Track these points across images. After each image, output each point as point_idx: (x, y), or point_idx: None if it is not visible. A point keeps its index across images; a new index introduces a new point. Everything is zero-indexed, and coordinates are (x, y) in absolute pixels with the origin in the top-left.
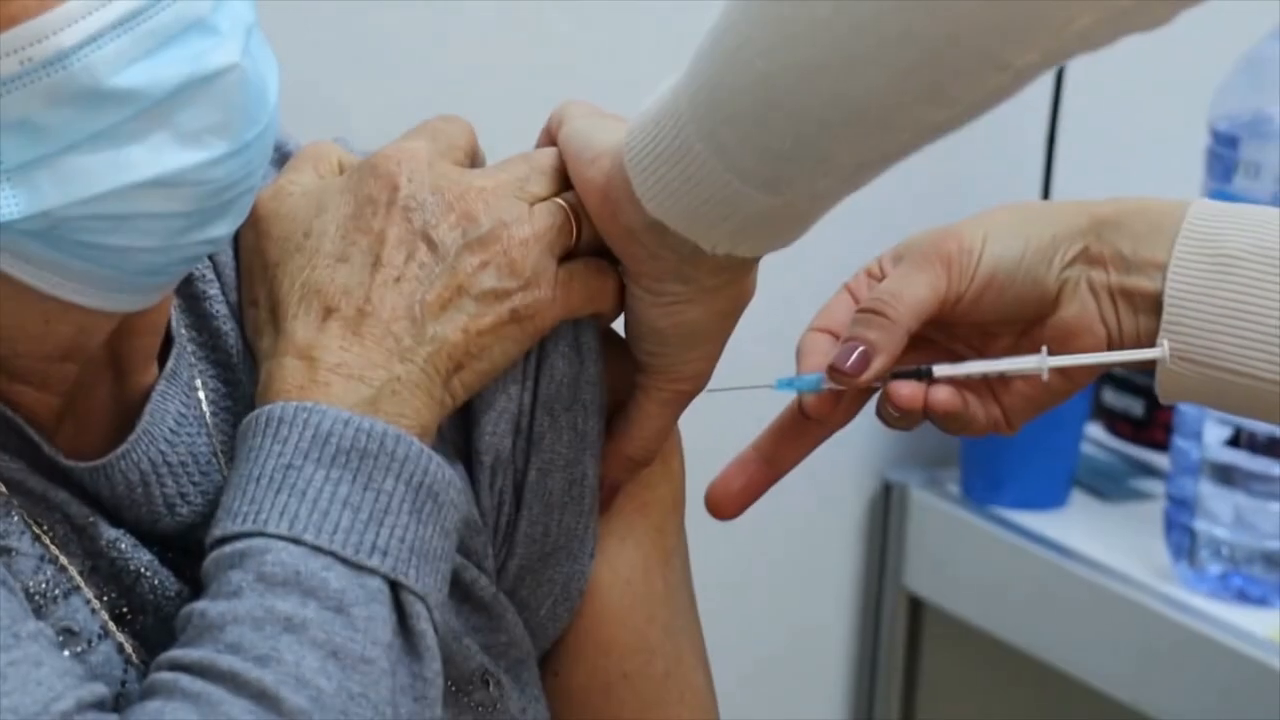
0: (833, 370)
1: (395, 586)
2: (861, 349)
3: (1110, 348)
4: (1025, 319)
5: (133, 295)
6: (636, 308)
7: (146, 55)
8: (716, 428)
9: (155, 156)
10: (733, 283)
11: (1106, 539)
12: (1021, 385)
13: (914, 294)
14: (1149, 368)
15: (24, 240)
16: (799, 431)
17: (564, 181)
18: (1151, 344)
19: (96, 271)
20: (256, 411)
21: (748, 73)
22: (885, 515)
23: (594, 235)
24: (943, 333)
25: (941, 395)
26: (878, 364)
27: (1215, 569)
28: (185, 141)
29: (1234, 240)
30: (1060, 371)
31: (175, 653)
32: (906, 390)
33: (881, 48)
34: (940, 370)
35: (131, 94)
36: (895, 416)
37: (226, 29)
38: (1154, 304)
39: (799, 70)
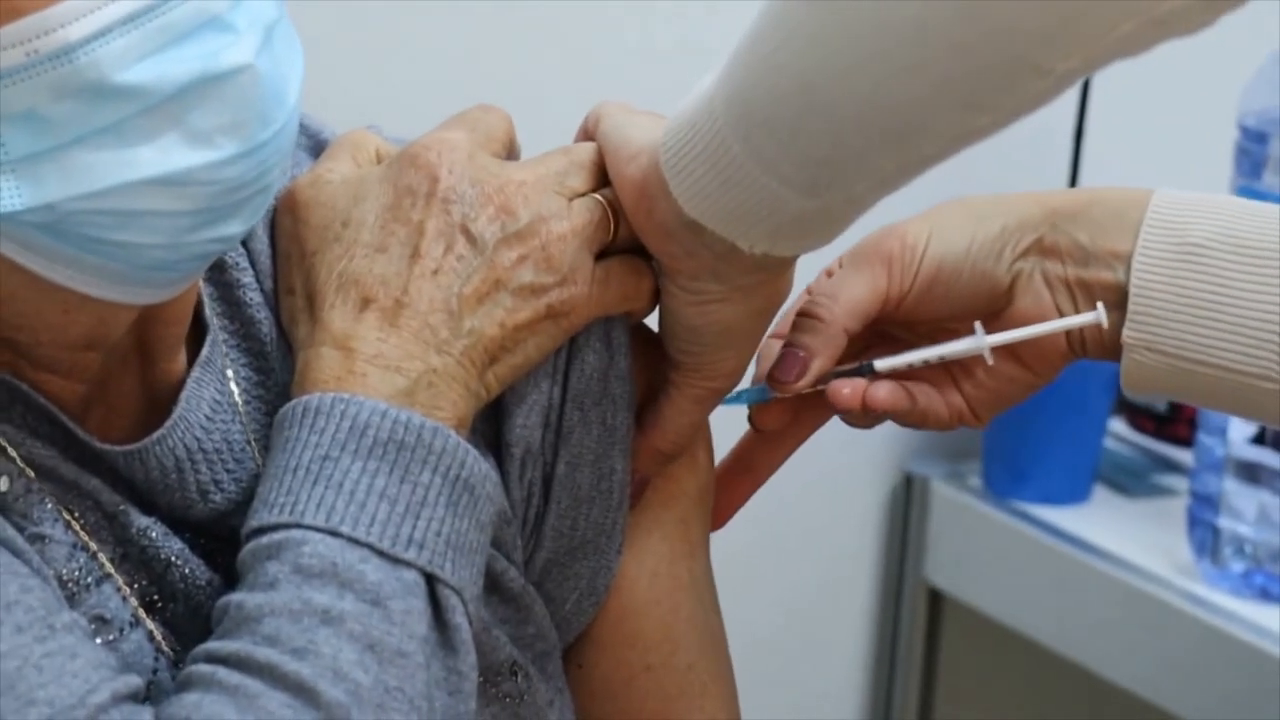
0: (770, 379)
1: (431, 579)
2: (800, 354)
3: (1070, 341)
4: (978, 313)
5: (146, 289)
6: (671, 305)
7: (157, 51)
8: (717, 432)
9: (162, 155)
10: (768, 281)
11: (1129, 535)
12: (983, 376)
13: (850, 294)
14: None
15: (33, 232)
16: (771, 439)
17: (603, 177)
18: (1116, 340)
19: (106, 265)
20: (293, 402)
21: (785, 77)
22: (906, 508)
23: (631, 232)
24: (905, 330)
25: (881, 393)
26: (815, 368)
27: (1238, 566)
28: (194, 140)
29: (1200, 229)
30: (1019, 361)
31: (212, 644)
32: (846, 389)
33: (921, 54)
34: (881, 364)
35: (139, 90)
36: (846, 417)
37: (244, 26)
38: (1116, 295)
39: (837, 75)
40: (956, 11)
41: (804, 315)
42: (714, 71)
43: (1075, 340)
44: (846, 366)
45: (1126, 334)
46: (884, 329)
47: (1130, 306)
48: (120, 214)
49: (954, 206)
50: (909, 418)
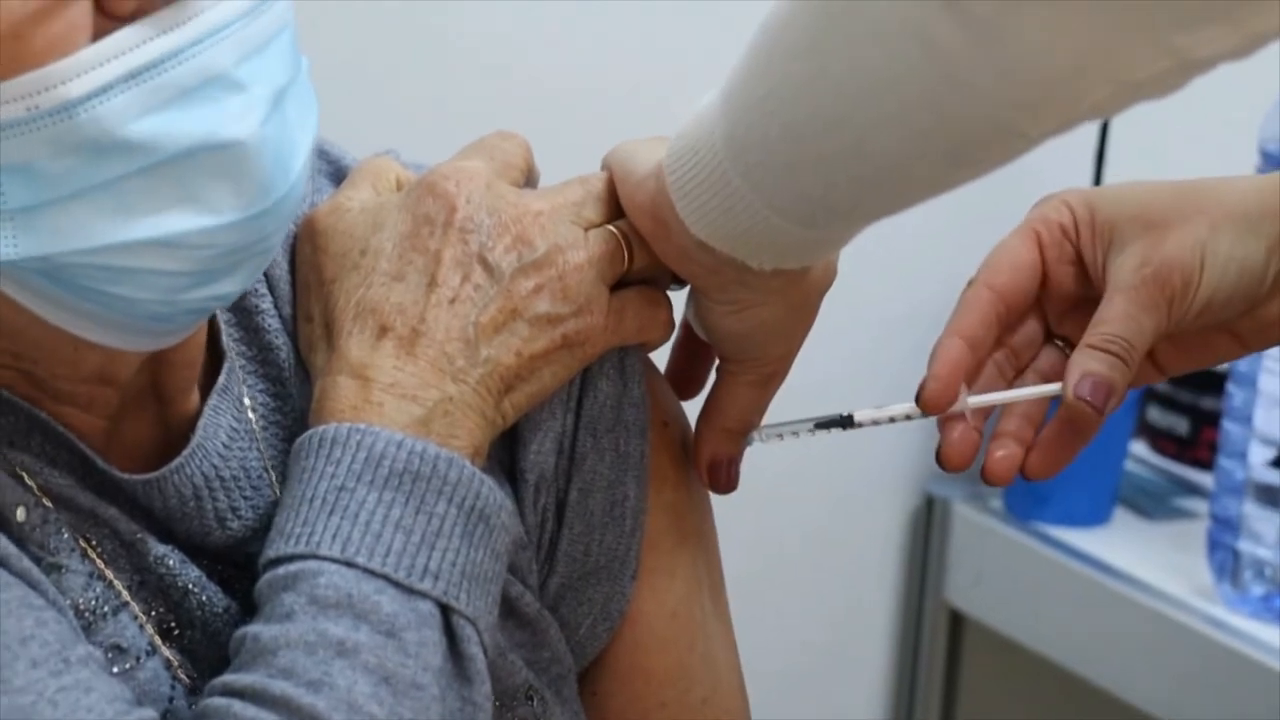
0: (1070, 405)
1: (446, 610)
2: (1105, 384)
3: None
4: (1227, 323)
5: (145, 338)
6: (710, 318)
7: (160, 109)
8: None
9: (159, 217)
10: (800, 279)
11: (1149, 557)
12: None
13: (1141, 339)
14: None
15: (32, 276)
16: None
17: (619, 207)
18: None
19: (104, 314)
20: (310, 431)
21: (775, 124)
22: (927, 529)
23: (646, 262)
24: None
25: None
26: (1115, 399)
27: (1258, 590)
28: (193, 204)
29: None
30: (1238, 339)
31: (228, 677)
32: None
33: (900, 110)
34: (861, 415)
35: (140, 147)
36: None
37: (252, 86)
38: None
39: (821, 124)
40: (939, 81)
41: (1100, 350)
42: (715, 92)
43: None
44: (827, 417)
45: None
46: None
47: None
48: (115, 270)
49: (1217, 219)
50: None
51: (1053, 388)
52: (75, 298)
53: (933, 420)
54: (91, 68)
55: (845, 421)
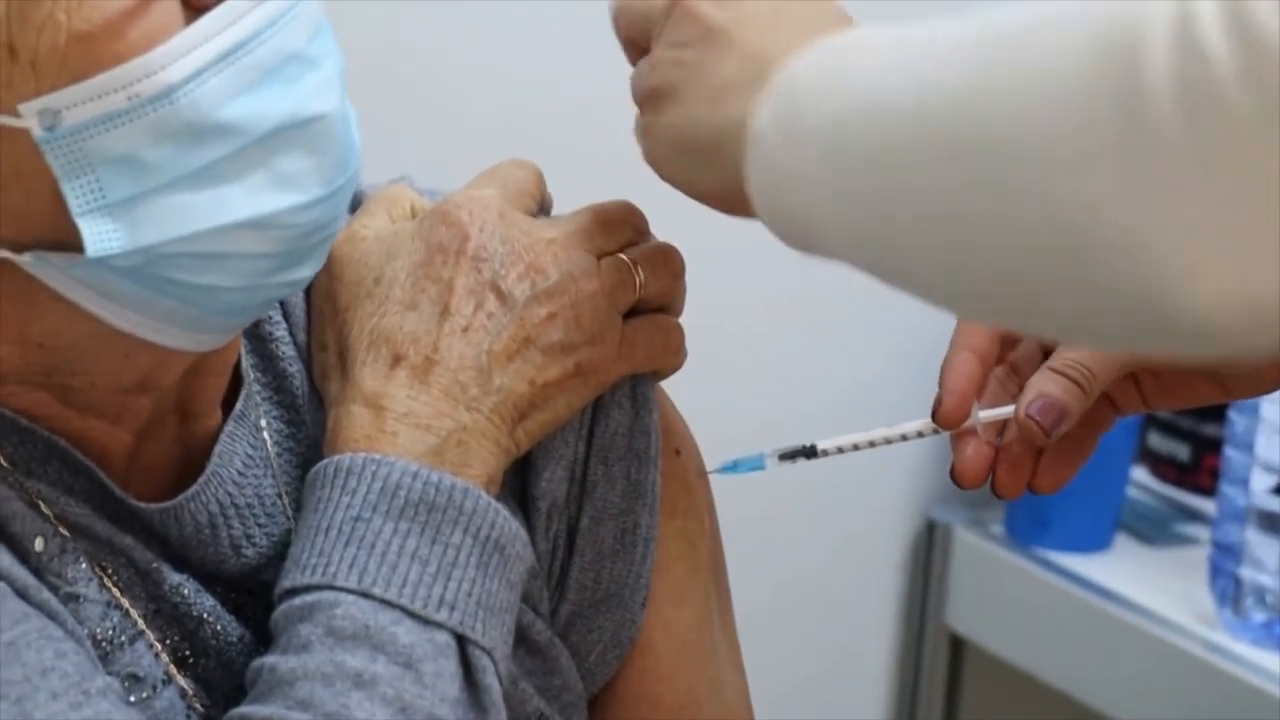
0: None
1: (462, 640)
2: (1057, 408)
3: None
4: None
5: (210, 334)
6: None
7: (249, 89)
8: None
9: (252, 197)
10: None
11: (1150, 583)
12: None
13: (1106, 370)
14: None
15: (113, 277)
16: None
17: (630, 235)
18: None
19: (180, 310)
20: (325, 461)
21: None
22: (928, 554)
23: (657, 290)
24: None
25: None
26: (1063, 425)
27: (1259, 617)
28: (281, 183)
29: None
30: (1223, 387)
31: (246, 709)
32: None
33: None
34: (824, 444)
35: (233, 128)
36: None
37: (323, 62)
38: None
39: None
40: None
41: (1059, 373)
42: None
43: None
44: (790, 447)
45: None
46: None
47: None
48: (209, 256)
49: None
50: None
51: (919, 424)
52: (156, 294)
53: (930, 442)
54: (186, 53)
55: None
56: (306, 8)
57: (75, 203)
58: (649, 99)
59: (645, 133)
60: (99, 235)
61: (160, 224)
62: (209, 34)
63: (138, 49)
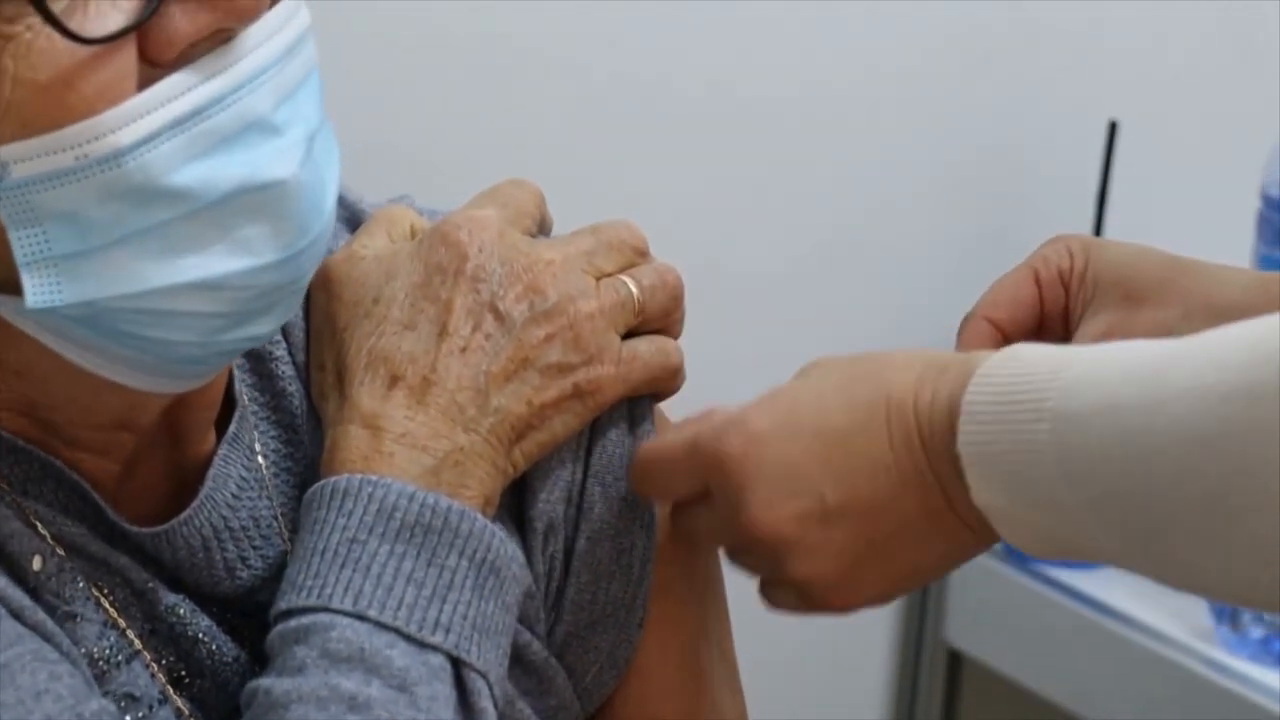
0: None
1: (457, 663)
2: None
3: None
4: None
5: (175, 380)
6: None
7: (203, 156)
8: None
9: (203, 259)
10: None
11: (1148, 598)
12: None
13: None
14: None
15: (68, 324)
16: None
17: (630, 256)
18: None
19: (138, 358)
20: (321, 483)
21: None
22: None
23: (656, 312)
24: None
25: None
26: None
27: (1257, 633)
28: (234, 247)
29: None
30: None
31: None
32: None
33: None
34: None
35: (184, 194)
36: None
37: (288, 130)
38: None
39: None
40: None
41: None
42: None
43: None
44: None
45: None
46: None
47: None
48: (157, 313)
49: (1194, 303)
50: None
51: None
52: (112, 343)
53: None
54: (139, 116)
55: None
56: (287, 72)
57: (20, 252)
58: (832, 588)
59: (838, 597)
60: (41, 287)
61: (105, 280)
62: (166, 97)
63: (89, 104)
